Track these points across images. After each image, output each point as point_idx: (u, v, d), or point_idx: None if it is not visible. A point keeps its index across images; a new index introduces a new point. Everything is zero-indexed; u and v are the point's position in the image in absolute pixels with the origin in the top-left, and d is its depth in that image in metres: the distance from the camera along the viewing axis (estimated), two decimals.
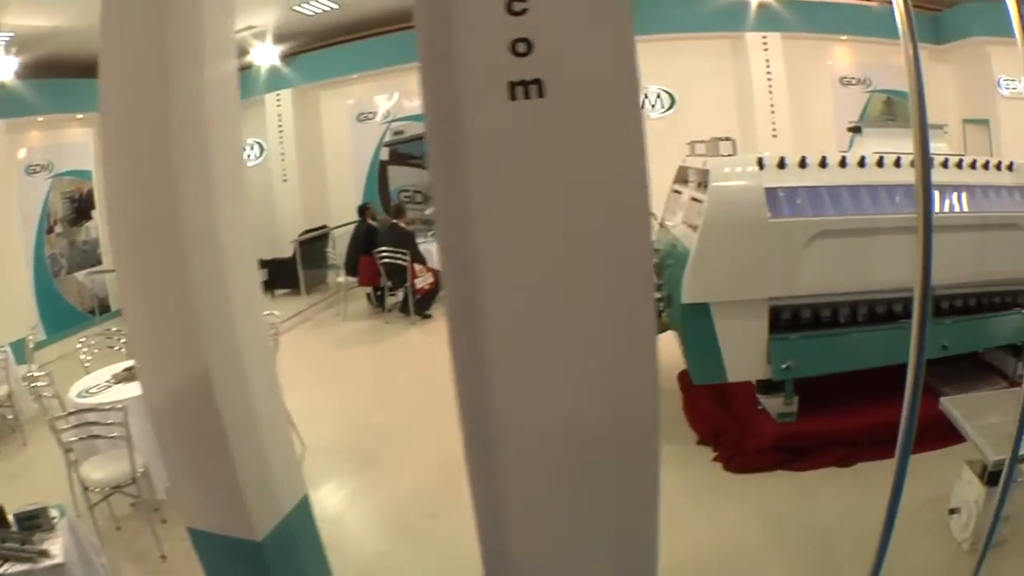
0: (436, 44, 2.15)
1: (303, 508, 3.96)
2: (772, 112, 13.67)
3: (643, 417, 2.45)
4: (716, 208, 5.81)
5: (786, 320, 6.12)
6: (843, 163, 6.20)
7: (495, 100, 2.15)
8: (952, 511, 4.65)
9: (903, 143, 6.62)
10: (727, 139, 6.75)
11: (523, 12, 2.09)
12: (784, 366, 5.96)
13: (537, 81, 2.13)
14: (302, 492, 3.99)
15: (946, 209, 6.18)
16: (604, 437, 2.47)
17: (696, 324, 5.97)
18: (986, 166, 6.65)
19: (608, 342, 2.35)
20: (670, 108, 14.24)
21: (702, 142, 7.06)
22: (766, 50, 13.70)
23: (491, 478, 2.52)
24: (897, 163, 6.25)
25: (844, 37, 14.25)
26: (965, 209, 6.29)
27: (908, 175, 5.94)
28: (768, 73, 13.72)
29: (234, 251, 3.48)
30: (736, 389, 6.64)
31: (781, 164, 6.03)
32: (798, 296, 5.98)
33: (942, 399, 4.93)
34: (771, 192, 5.85)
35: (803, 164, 6.10)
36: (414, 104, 14.53)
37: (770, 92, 13.73)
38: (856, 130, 7.50)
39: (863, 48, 14.21)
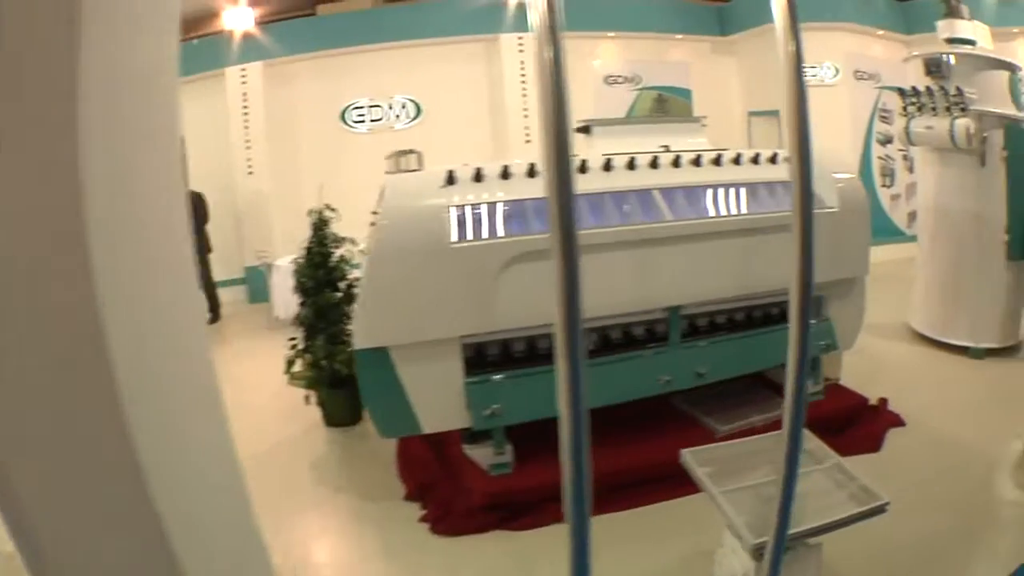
0: None
1: None
2: (526, 116, 12.94)
3: None
4: (387, 234, 4.69)
5: (494, 357, 5.16)
6: (582, 169, 5.19)
7: None
8: None
9: (645, 141, 5.87)
10: (411, 152, 5.73)
11: None
12: (487, 412, 4.91)
13: None
14: None
15: (691, 215, 5.26)
16: None
17: (375, 372, 4.90)
18: (756, 160, 5.76)
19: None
20: (416, 118, 13.38)
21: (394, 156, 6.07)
22: (522, 51, 13.04)
23: None
24: (631, 165, 5.32)
25: (612, 34, 14.02)
26: (725, 212, 5.42)
27: (644, 178, 5.36)
28: (522, 76, 13.07)
29: None
30: (450, 434, 5.50)
31: (478, 177, 4.97)
32: (499, 331, 5.00)
33: (683, 452, 3.91)
34: (458, 211, 4.78)
35: (506, 175, 5.03)
36: None
37: (524, 95, 13.11)
38: (584, 130, 6.47)
39: (633, 44, 14.05)
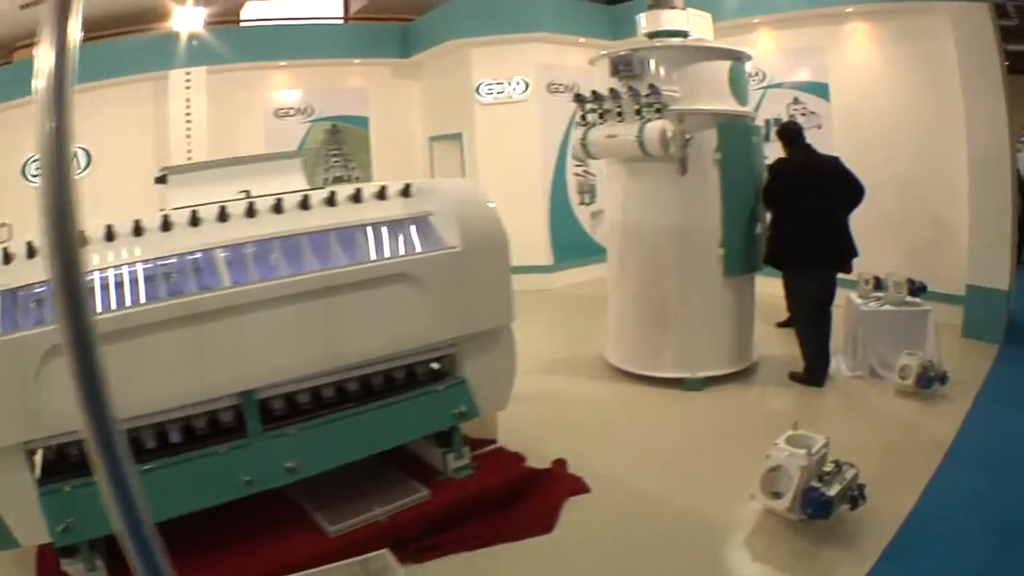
0: None
1: None
2: (189, 158, 12.04)
3: None
4: None
5: (76, 459, 4.30)
6: (110, 236, 4.41)
7: None
8: None
9: (227, 187, 5.25)
10: None
11: None
12: (61, 528, 4.05)
13: None
14: None
15: (256, 277, 4.47)
16: None
17: None
18: (356, 198, 5.02)
19: None
20: (86, 168, 12.65)
21: None
22: (188, 88, 12.45)
23: None
24: (194, 221, 4.56)
25: (283, 63, 13.54)
26: (304, 269, 4.58)
27: (207, 236, 4.54)
28: (188, 114, 12.48)
29: None
30: None
31: (31, 252, 4.21)
32: (59, 435, 4.13)
33: None
34: (3, 296, 4.05)
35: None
36: None
37: (188, 136, 12.48)
38: (161, 180, 5.78)
39: (306, 73, 13.58)
